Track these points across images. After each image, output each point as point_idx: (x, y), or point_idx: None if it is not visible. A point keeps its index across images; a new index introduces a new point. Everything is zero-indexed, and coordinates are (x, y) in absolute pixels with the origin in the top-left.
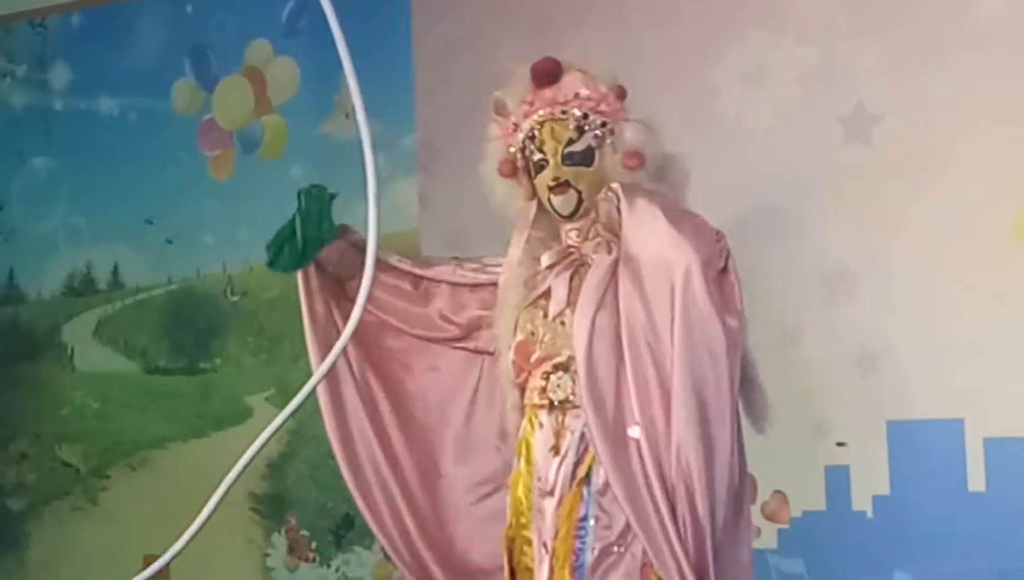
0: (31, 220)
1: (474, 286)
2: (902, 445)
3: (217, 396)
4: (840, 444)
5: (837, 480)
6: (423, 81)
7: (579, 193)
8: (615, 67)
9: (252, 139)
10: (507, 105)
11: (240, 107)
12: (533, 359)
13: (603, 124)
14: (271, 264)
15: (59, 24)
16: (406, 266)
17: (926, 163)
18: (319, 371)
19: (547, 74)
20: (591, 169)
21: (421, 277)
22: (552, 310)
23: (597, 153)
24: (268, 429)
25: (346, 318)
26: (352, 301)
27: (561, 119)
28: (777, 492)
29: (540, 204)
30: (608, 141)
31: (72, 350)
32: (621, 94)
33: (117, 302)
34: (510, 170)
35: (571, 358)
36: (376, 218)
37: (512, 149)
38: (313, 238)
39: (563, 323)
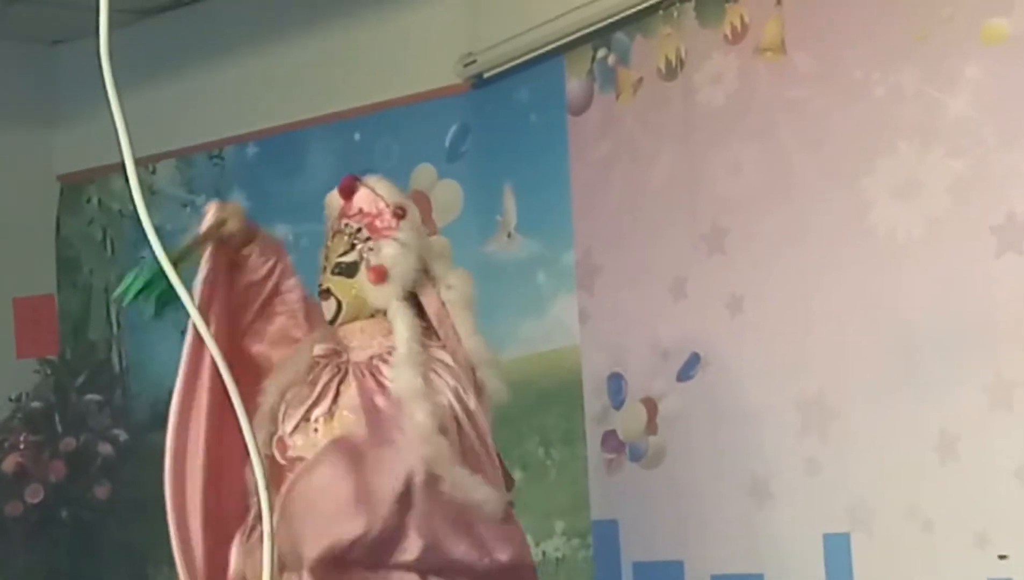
0: None
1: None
2: None
3: None
4: (1002, 557)
5: None
6: (580, 199)
7: (339, 301)
8: (766, 180)
9: None
10: (327, 213)
11: None
12: (288, 455)
13: (367, 239)
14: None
15: (235, 154)
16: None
17: None
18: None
19: (344, 189)
20: (352, 280)
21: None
22: (314, 413)
23: (361, 266)
24: None
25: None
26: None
27: (342, 230)
28: None
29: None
30: (368, 255)
31: None
32: (398, 213)
33: None
34: None
35: None
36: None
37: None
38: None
39: (316, 430)
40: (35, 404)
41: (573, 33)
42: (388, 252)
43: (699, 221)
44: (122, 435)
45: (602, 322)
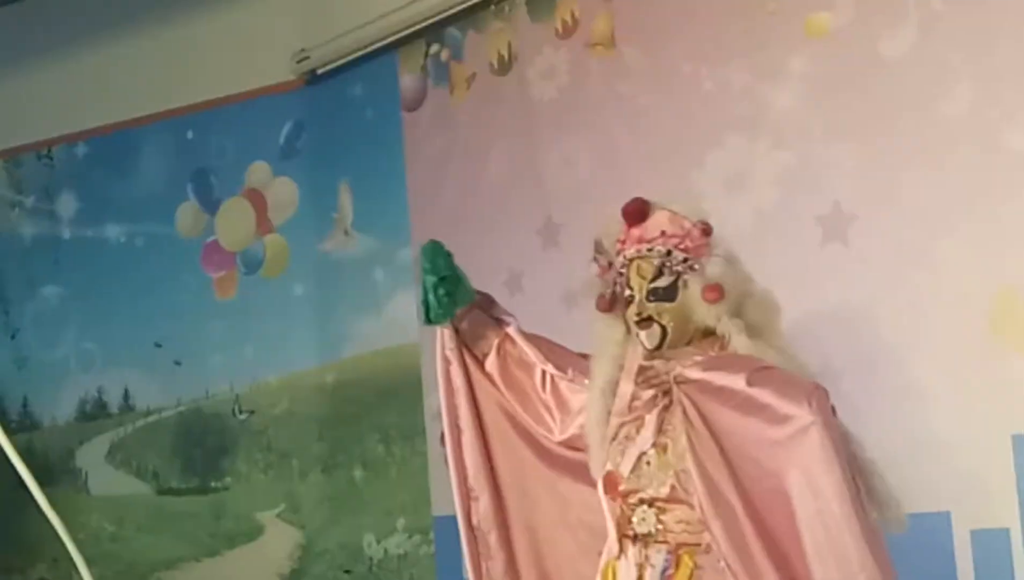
0: (43, 347)
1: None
2: (890, 540)
3: (229, 514)
4: None
5: None
6: (417, 195)
7: (663, 327)
8: (598, 174)
9: (255, 259)
10: (603, 244)
11: (242, 228)
12: (620, 490)
13: (685, 260)
14: (428, 320)
15: (65, 154)
16: (531, 356)
17: (902, 260)
18: None
19: (635, 214)
20: (674, 304)
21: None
22: (639, 447)
23: (680, 289)
24: None
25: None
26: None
27: (647, 256)
28: None
29: None
30: (689, 276)
31: (86, 474)
32: (706, 230)
33: (128, 425)
34: (606, 305)
35: (654, 496)
36: None
37: (607, 287)
38: (460, 291)
39: (648, 463)
40: None
41: (405, 29)
42: (716, 270)
43: (534, 215)
44: None
45: None
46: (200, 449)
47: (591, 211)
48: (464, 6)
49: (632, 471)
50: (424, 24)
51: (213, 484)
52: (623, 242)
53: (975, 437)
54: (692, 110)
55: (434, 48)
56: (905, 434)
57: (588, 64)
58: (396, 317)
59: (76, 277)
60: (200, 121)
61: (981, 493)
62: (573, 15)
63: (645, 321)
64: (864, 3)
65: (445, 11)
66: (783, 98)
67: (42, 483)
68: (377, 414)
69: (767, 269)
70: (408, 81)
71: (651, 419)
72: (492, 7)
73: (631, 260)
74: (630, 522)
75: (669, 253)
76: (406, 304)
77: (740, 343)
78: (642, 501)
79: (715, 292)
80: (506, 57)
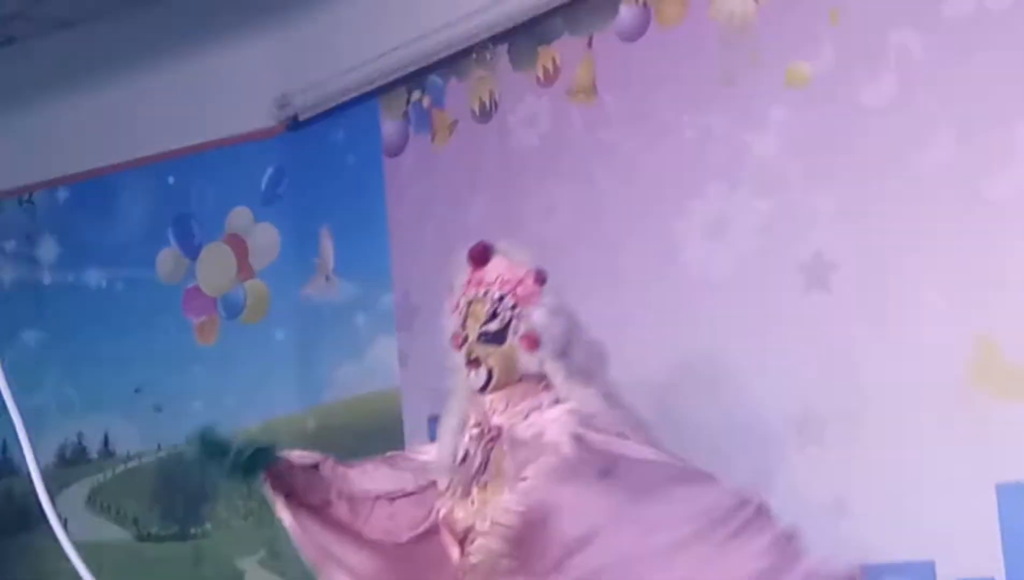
0: (23, 392)
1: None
2: None
3: (209, 561)
4: None
5: None
6: (398, 240)
7: (489, 370)
8: (580, 221)
9: (236, 305)
10: (454, 284)
11: (223, 274)
12: (458, 530)
13: (514, 306)
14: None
15: (46, 199)
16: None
17: (884, 308)
18: None
19: (476, 257)
20: (502, 347)
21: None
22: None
23: (510, 333)
24: None
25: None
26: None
27: (482, 299)
28: None
29: None
30: (517, 322)
31: (65, 520)
32: (539, 279)
33: (108, 471)
34: (457, 344)
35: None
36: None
37: (456, 325)
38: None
39: (473, 501)
40: None
41: (387, 75)
42: (540, 319)
43: None
44: None
45: (422, 364)
46: (180, 495)
47: (572, 258)
48: (446, 54)
49: (464, 511)
50: (406, 71)
51: (193, 530)
52: (468, 283)
53: (959, 485)
54: (673, 158)
55: (416, 95)
56: (888, 482)
57: (569, 112)
58: (377, 362)
59: (56, 322)
60: (181, 166)
61: (965, 542)
62: (555, 63)
63: (473, 362)
64: (844, 52)
65: (427, 58)
66: (764, 146)
67: (20, 530)
68: (358, 459)
69: (749, 317)
70: (390, 127)
71: (478, 457)
72: (474, 55)
73: (470, 302)
74: (469, 556)
75: (502, 298)
76: (387, 350)
77: (563, 387)
78: (476, 537)
79: (530, 341)
80: (488, 104)
